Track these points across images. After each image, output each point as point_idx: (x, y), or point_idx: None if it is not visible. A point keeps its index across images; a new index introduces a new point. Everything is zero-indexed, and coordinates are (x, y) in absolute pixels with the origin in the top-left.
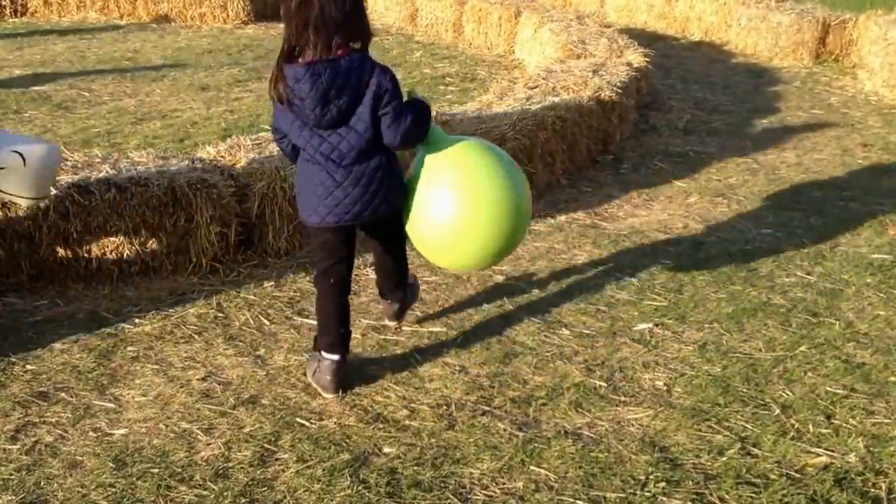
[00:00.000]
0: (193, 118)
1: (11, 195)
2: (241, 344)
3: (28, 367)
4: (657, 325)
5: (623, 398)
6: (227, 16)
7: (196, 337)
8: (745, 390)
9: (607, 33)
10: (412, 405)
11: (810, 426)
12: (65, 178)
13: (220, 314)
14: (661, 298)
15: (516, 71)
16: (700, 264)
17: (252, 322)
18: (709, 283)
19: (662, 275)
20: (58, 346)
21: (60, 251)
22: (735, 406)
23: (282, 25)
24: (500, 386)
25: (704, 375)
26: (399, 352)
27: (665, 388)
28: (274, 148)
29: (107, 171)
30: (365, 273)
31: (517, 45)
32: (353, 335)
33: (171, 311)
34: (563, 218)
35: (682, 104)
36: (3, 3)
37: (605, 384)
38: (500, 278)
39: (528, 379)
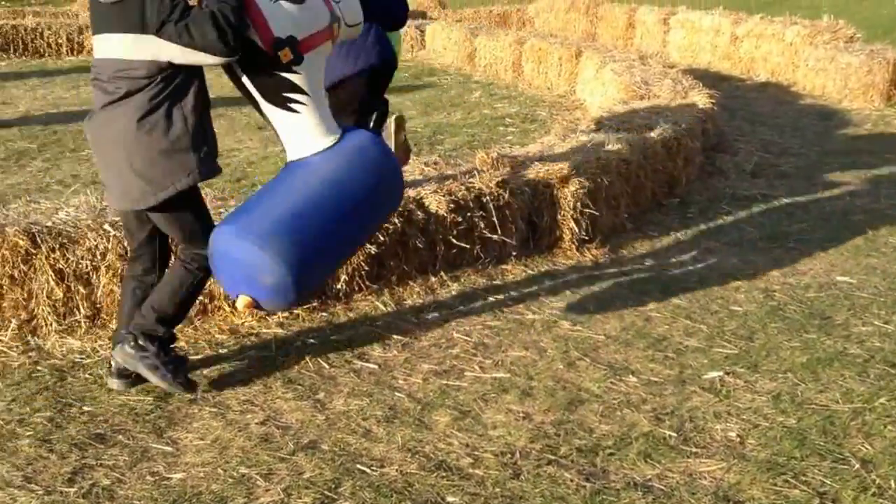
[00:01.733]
0: (250, 157)
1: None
2: (299, 387)
3: (85, 408)
4: (728, 374)
5: (694, 449)
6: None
7: (254, 380)
8: (822, 443)
9: (671, 74)
10: (476, 453)
11: (892, 482)
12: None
13: (279, 357)
14: (731, 346)
15: (578, 111)
16: (771, 312)
17: (311, 365)
18: (781, 332)
19: (732, 322)
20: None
21: (117, 292)
22: (812, 460)
23: None
24: (565, 434)
25: (779, 427)
26: (461, 397)
27: (738, 439)
28: None
29: None
30: (424, 316)
31: (578, 86)
32: (413, 380)
33: (229, 352)
34: (628, 263)
35: (750, 146)
36: (61, 42)
37: (675, 434)
38: (564, 324)
39: (594, 427)
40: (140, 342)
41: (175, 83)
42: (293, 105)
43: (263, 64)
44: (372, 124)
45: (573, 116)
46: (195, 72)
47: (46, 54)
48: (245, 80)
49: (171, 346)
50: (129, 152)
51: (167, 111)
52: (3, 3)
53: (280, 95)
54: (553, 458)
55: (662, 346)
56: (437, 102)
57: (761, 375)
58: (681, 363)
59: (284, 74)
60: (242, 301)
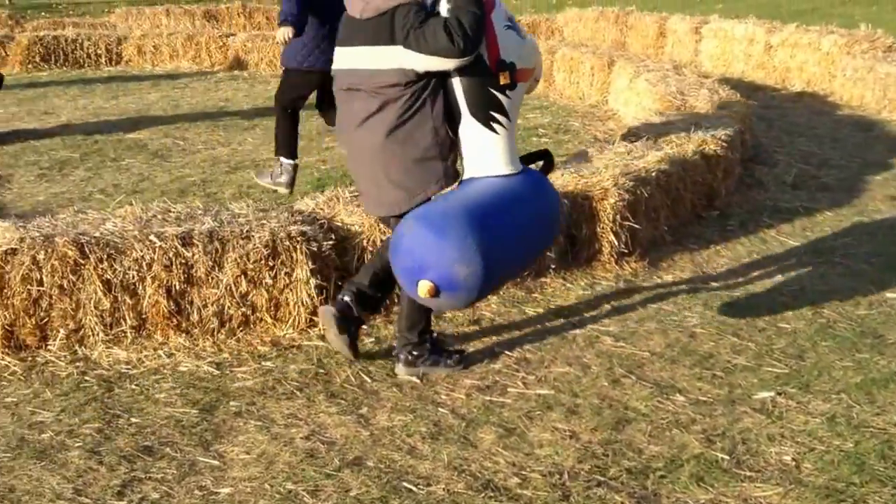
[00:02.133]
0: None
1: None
2: (343, 402)
3: (133, 420)
4: (780, 394)
5: (748, 473)
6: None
7: (298, 393)
8: (881, 469)
9: (707, 84)
10: (523, 472)
11: None
12: (169, 230)
13: (321, 370)
14: (781, 365)
15: (610, 122)
16: (821, 330)
17: (353, 379)
18: (832, 350)
19: (781, 340)
20: (162, 398)
21: (162, 303)
22: (872, 486)
23: None
24: (613, 455)
25: (836, 451)
26: (506, 414)
27: (793, 463)
28: None
29: (209, 223)
30: (464, 330)
31: (611, 96)
32: (456, 395)
33: (271, 365)
34: (669, 277)
35: (789, 158)
36: (100, 52)
37: (727, 457)
38: (607, 339)
39: (643, 448)
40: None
41: (423, 96)
42: (494, 125)
43: (482, 79)
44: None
45: (606, 127)
46: (440, 85)
47: (86, 64)
48: (458, 89)
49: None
50: (385, 163)
51: (418, 123)
52: (43, 14)
53: (486, 112)
54: (602, 479)
55: (710, 365)
56: None
57: (814, 396)
58: (730, 382)
59: (496, 93)
60: (424, 286)
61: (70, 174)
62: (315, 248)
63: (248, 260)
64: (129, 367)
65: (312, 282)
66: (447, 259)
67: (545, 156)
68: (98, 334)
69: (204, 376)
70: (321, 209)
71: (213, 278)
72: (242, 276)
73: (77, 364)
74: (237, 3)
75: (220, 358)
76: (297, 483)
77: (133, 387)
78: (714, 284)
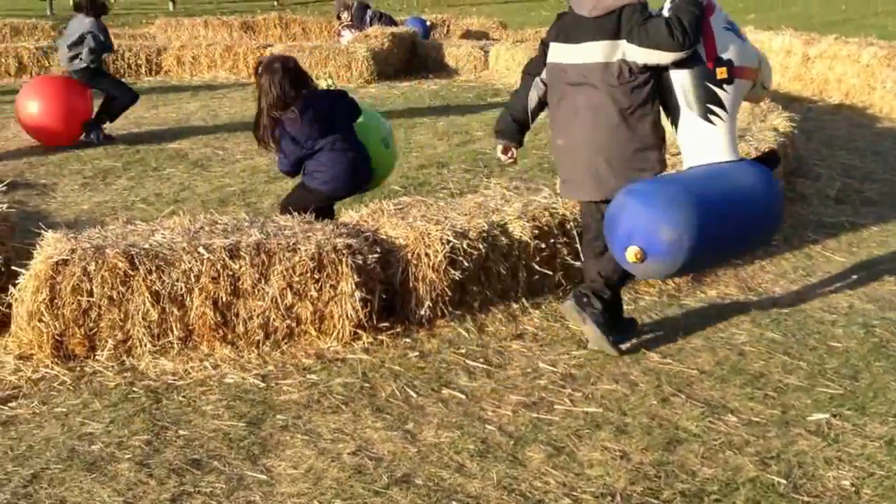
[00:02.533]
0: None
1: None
2: (388, 417)
3: (181, 432)
4: (834, 416)
5: (806, 498)
6: (352, 75)
7: (343, 407)
8: None
9: None
10: (574, 493)
11: None
12: (217, 242)
13: (366, 384)
14: (835, 385)
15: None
16: (874, 349)
17: (398, 394)
18: (887, 371)
19: (833, 359)
20: (209, 410)
21: (209, 314)
22: None
23: (404, 84)
24: (666, 476)
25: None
26: (554, 432)
27: (852, 488)
28: (416, 212)
29: (256, 235)
30: (507, 344)
31: None
32: (503, 412)
33: (316, 378)
34: (713, 292)
35: (831, 171)
36: (140, 62)
37: (783, 481)
38: (654, 356)
39: (696, 470)
40: (590, 300)
41: (646, 90)
42: (712, 117)
43: (700, 74)
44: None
45: None
46: (658, 81)
47: (126, 75)
48: (677, 84)
49: (620, 310)
50: (608, 151)
51: (640, 115)
52: None
53: (704, 105)
54: (656, 502)
55: (761, 384)
56: None
57: (870, 419)
58: (783, 403)
59: (714, 88)
60: (632, 251)
61: (113, 183)
62: (360, 262)
63: (294, 272)
64: (176, 378)
65: (357, 295)
66: (654, 224)
67: (772, 155)
68: (145, 345)
69: (250, 388)
70: (365, 221)
71: (259, 290)
72: (288, 289)
73: (125, 374)
74: (274, 15)
75: (266, 370)
76: (346, 500)
77: (180, 398)
78: (761, 301)
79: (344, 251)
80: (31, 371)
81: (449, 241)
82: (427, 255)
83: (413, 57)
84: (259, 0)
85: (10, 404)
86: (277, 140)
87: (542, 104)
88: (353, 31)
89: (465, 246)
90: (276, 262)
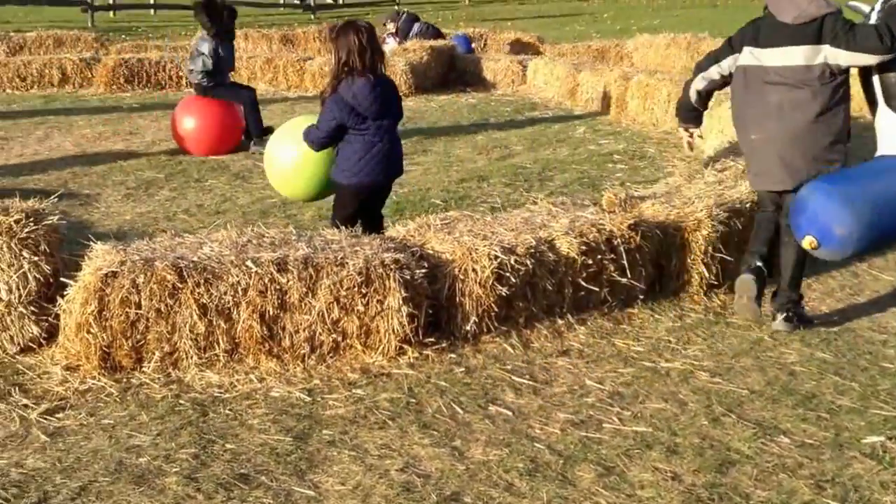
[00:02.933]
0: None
1: None
2: (435, 433)
3: (228, 446)
4: (890, 439)
5: None
6: None
7: (390, 423)
8: None
9: None
10: None
11: None
12: (264, 256)
13: (412, 399)
14: (889, 407)
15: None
16: None
17: (445, 410)
18: None
19: (886, 380)
20: (255, 424)
21: (256, 327)
22: None
23: (442, 98)
24: (719, 499)
25: None
26: (604, 452)
27: None
28: (462, 227)
29: (303, 249)
30: (553, 361)
31: None
32: (551, 430)
33: (362, 393)
34: (762, 309)
35: None
36: (181, 74)
37: None
38: (702, 374)
39: (750, 493)
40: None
41: (841, 88)
42: None
43: None
44: None
45: (683, 154)
46: (848, 80)
47: (167, 86)
48: (877, 83)
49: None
50: (804, 144)
51: (836, 111)
52: (124, 37)
53: None
54: None
55: (813, 405)
56: (543, 138)
57: None
58: (836, 425)
59: None
60: (808, 240)
61: (155, 194)
62: (407, 276)
63: (342, 287)
64: (222, 391)
65: (404, 309)
66: (830, 219)
67: None
68: (192, 357)
69: (296, 402)
70: (412, 236)
71: (305, 304)
72: (335, 303)
73: (171, 387)
74: (313, 28)
75: (311, 384)
76: None
77: (227, 411)
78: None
79: (391, 266)
80: (79, 382)
81: (496, 257)
82: (474, 270)
83: (451, 70)
84: (298, 13)
85: (57, 415)
86: (328, 96)
87: (710, 94)
88: (396, 39)
89: (512, 262)
90: (324, 276)
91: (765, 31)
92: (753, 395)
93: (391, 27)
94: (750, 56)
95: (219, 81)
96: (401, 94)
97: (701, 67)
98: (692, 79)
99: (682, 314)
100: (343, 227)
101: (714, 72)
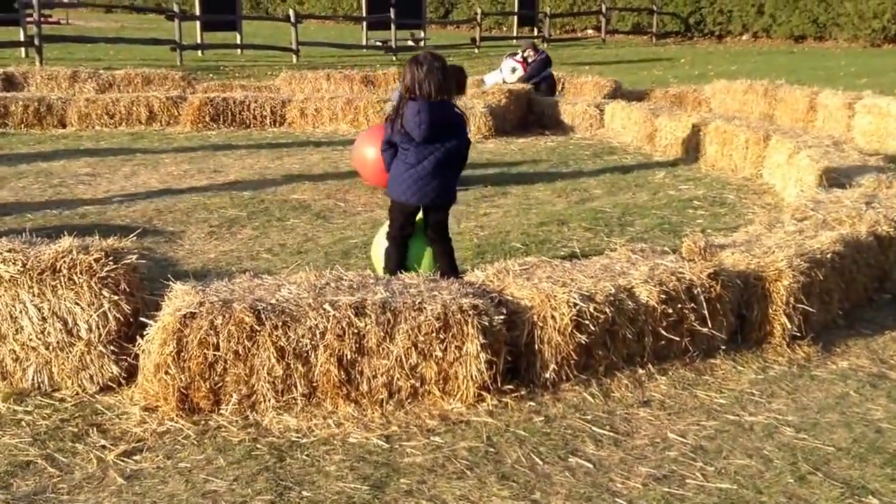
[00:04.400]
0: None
1: None
2: (514, 485)
3: (304, 493)
4: None
5: None
6: (470, 130)
7: (468, 473)
8: None
9: (871, 161)
10: None
11: None
12: (343, 299)
13: (491, 449)
14: None
15: (767, 196)
16: None
17: (524, 460)
18: None
19: None
20: (332, 471)
21: (333, 371)
22: None
23: (521, 140)
24: None
25: None
26: None
27: None
28: (541, 273)
29: (381, 293)
30: (634, 412)
31: (765, 170)
32: (632, 484)
33: (440, 441)
34: (845, 363)
35: None
36: (265, 113)
37: None
38: (787, 430)
39: None
40: None
41: None
42: None
43: None
44: None
45: (763, 201)
46: None
47: (251, 125)
48: None
49: None
50: None
51: None
52: (212, 76)
53: None
54: None
55: None
56: (622, 182)
57: None
58: None
59: None
60: None
61: (238, 233)
62: (486, 322)
63: (420, 332)
64: (300, 435)
65: (483, 356)
66: None
67: None
68: (269, 400)
69: (373, 449)
70: (491, 282)
71: (383, 349)
72: (413, 348)
73: (248, 430)
74: (393, 70)
75: (389, 430)
76: None
77: (304, 457)
78: (894, 375)
79: (470, 312)
80: (157, 424)
81: (575, 304)
82: (553, 317)
83: (529, 113)
84: (380, 55)
85: (134, 457)
86: (391, 118)
87: None
88: (515, 60)
89: (591, 309)
90: (402, 320)
91: None
92: (840, 453)
93: (530, 54)
94: None
95: None
96: (481, 135)
97: None
98: None
99: (766, 366)
100: (394, 239)
101: None
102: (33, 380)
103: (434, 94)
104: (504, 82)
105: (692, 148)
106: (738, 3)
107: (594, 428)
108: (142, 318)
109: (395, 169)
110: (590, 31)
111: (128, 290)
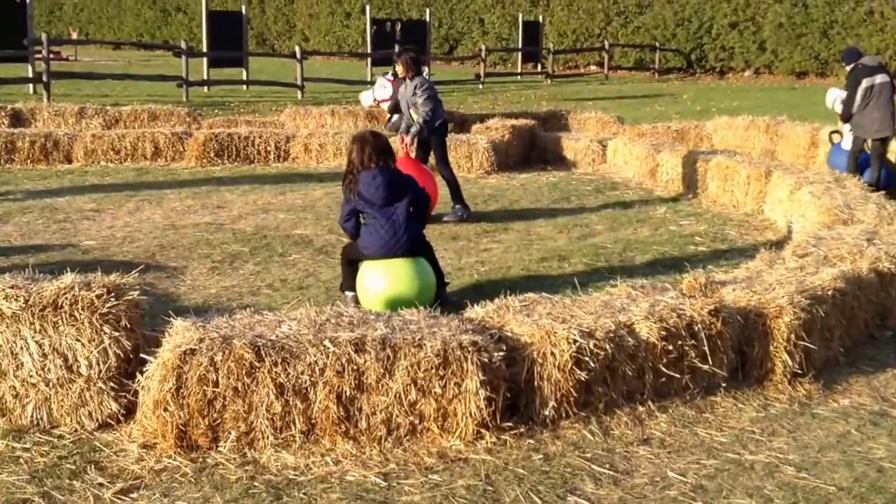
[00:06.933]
0: (446, 268)
1: None
2: None
3: None
4: None
5: None
6: (472, 166)
7: None
8: None
9: (873, 197)
10: None
11: None
12: (343, 335)
13: (490, 487)
14: None
15: (768, 232)
16: None
17: (523, 499)
18: None
19: None
20: None
21: (332, 408)
22: None
23: (523, 176)
24: None
25: None
26: None
27: None
28: (541, 310)
29: (381, 329)
30: (634, 450)
31: (767, 206)
32: None
33: (438, 479)
34: (846, 401)
35: None
36: (269, 149)
37: None
38: (788, 469)
39: None
40: None
41: None
42: None
43: None
44: None
45: (765, 237)
46: None
47: (255, 160)
48: None
49: None
50: None
51: None
52: (217, 112)
53: None
54: None
55: None
56: (623, 217)
57: None
58: None
59: None
60: None
61: (240, 268)
62: (486, 359)
63: (419, 368)
64: (297, 473)
65: (482, 393)
66: None
67: None
68: (268, 437)
69: (371, 488)
70: (490, 318)
71: (383, 385)
72: (412, 384)
73: (246, 468)
74: None
75: (387, 468)
76: None
77: (301, 495)
78: (895, 412)
79: (470, 348)
80: (154, 461)
81: (575, 341)
82: (553, 354)
83: (532, 149)
84: None
85: (131, 495)
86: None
87: None
88: (386, 79)
89: (591, 346)
90: (402, 357)
91: None
92: (841, 493)
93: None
94: None
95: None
96: (483, 170)
97: None
98: None
99: (767, 404)
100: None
101: None
102: (32, 416)
103: (377, 159)
104: (375, 101)
105: (694, 184)
106: (740, 40)
107: (593, 466)
108: (142, 355)
109: (366, 232)
110: (593, 67)
111: (129, 326)
